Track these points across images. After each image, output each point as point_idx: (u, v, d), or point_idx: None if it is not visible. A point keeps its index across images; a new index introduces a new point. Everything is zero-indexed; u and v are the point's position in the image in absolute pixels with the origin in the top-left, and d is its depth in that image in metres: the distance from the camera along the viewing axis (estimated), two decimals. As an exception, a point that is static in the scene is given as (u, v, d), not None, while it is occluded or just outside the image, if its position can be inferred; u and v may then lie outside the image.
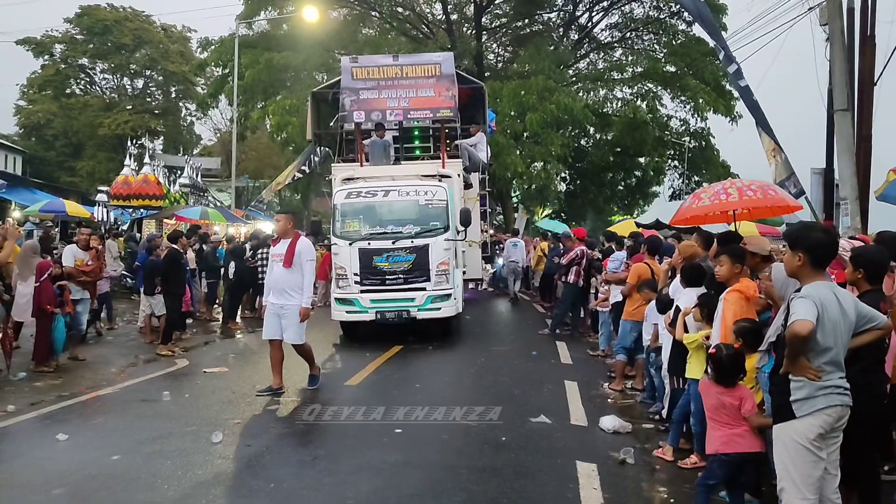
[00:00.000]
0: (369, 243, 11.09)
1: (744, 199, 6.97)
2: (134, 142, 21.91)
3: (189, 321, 13.20)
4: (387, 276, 11.03)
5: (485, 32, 32.27)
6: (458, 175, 13.14)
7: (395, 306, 11.06)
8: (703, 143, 31.33)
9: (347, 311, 11.22)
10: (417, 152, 15.66)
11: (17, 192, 25.07)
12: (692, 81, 27.90)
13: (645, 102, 28.69)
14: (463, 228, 11.73)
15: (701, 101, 27.94)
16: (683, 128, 31.29)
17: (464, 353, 10.99)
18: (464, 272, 13.41)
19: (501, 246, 20.12)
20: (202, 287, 14.86)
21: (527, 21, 32.98)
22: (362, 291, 11.08)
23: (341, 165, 13.88)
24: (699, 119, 29.72)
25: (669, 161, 33.84)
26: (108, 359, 10.22)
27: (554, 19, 33.80)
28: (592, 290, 11.55)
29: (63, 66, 46.91)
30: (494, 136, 22.41)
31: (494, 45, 35.56)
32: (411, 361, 10.06)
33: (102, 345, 11.40)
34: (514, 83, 25.86)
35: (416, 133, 15.90)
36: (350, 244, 11.14)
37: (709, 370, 4.61)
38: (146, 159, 20.56)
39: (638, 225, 15.95)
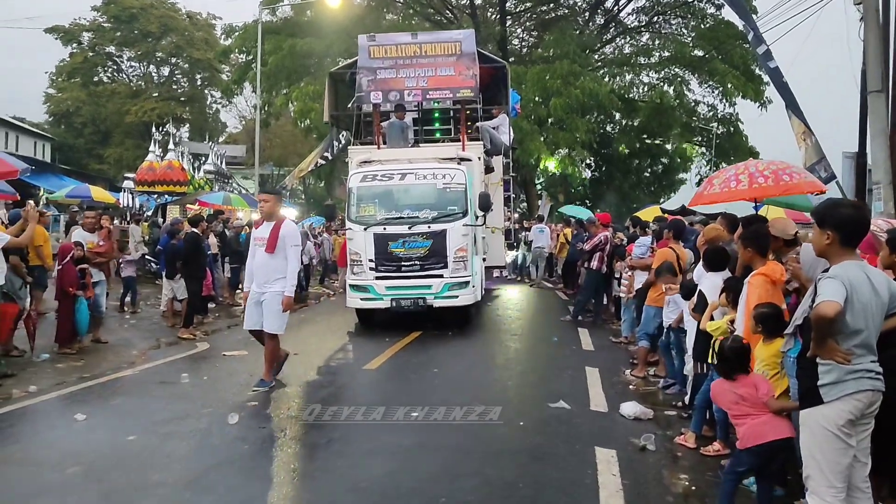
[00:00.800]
0: (385, 228, 10.82)
1: (753, 186, 6.83)
2: (160, 129, 22.04)
3: (211, 305, 13.26)
4: (402, 263, 10.76)
5: (509, 17, 31.93)
6: (479, 158, 12.71)
7: (411, 294, 10.78)
8: (731, 128, 30.86)
9: (362, 299, 10.98)
10: (437, 135, 15.11)
11: (45, 178, 25.39)
12: (721, 66, 27.40)
13: (672, 87, 28.22)
14: (482, 213, 11.41)
15: (730, 85, 27.47)
16: (711, 113, 30.82)
17: (484, 339, 10.89)
18: (484, 258, 13.06)
19: (525, 233, 19.89)
20: (225, 272, 14.90)
21: (552, 5, 32.61)
22: (377, 278, 10.82)
23: (358, 148, 13.47)
24: (727, 104, 29.23)
25: (697, 147, 33.40)
26: (130, 342, 10.28)
27: (579, 3, 33.38)
28: (616, 276, 11.35)
29: (91, 53, 47.44)
30: (518, 121, 22.19)
31: (519, 30, 35.24)
32: (430, 347, 9.95)
33: (126, 328, 11.47)
34: (539, 67, 25.63)
35: (437, 115, 15.25)
36: (365, 229, 10.88)
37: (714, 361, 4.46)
38: (170, 145, 20.64)
39: (664, 211, 15.63)
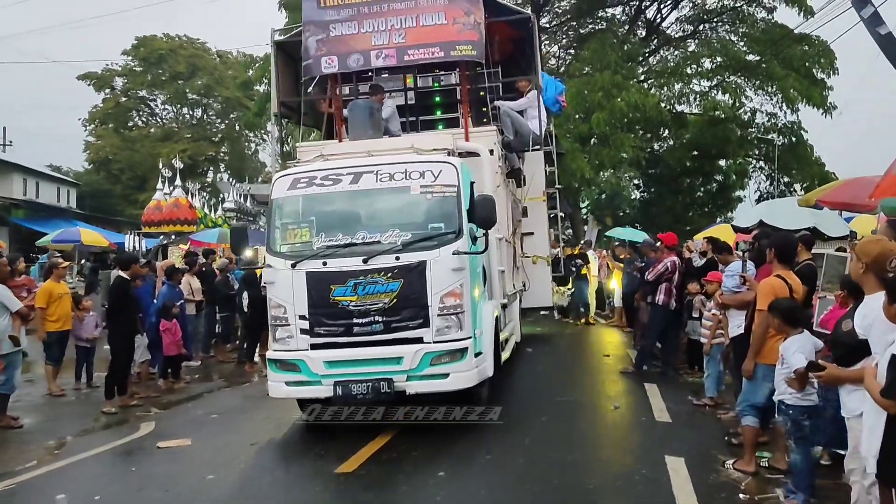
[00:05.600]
0: (325, 264, 6.90)
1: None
2: (165, 168, 20.43)
3: (195, 363, 11.30)
4: (354, 321, 6.80)
5: (544, 34, 30.02)
6: (492, 152, 8.74)
7: (368, 374, 6.78)
8: (794, 138, 28.21)
9: (289, 383, 7.02)
10: (440, 127, 9.91)
11: (55, 224, 24.11)
12: (779, 69, 24.84)
13: (727, 95, 25.80)
14: (484, 230, 7.19)
15: (792, 90, 24.86)
16: (770, 123, 28.22)
17: (513, 411, 7.53)
18: (506, 301, 9.11)
19: (578, 262, 16.27)
20: (216, 323, 12.59)
21: (588, 18, 30.65)
22: (313, 347, 6.90)
23: (308, 144, 9.50)
24: (790, 111, 26.61)
25: (754, 161, 30.78)
26: (56, 424, 8.19)
27: (618, 15, 31.34)
28: (695, 314, 8.87)
29: (123, 98, 47.19)
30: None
31: (555, 48, 33.34)
32: (428, 436, 6.81)
33: (63, 403, 9.34)
34: (577, 80, 23.52)
35: (438, 100, 10.25)
36: (293, 266, 6.94)
37: None
38: (177, 181, 19.02)
39: (735, 229, 13.14)
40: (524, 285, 11.55)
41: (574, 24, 31.06)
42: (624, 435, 6.90)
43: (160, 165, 20.32)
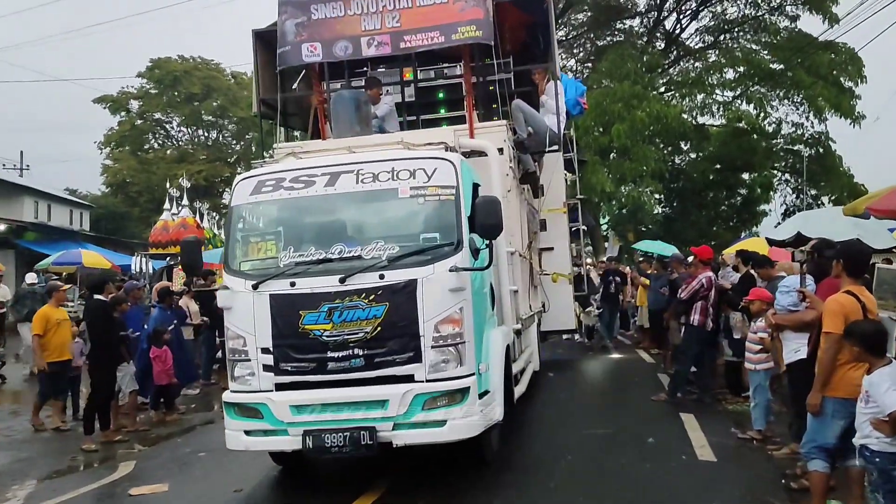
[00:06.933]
0: (293, 284, 5.72)
1: None
2: (173, 188, 19.91)
3: (194, 392, 10.57)
4: (329, 354, 5.59)
5: (560, 47, 29.42)
6: (501, 151, 7.48)
7: (345, 420, 5.55)
8: (822, 149, 27.27)
9: (249, 432, 5.79)
10: (445, 125, 8.48)
11: (61, 246, 23.67)
12: (806, 77, 23.97)
13: (752, 105, 24.97)
14: (486, 241, 5.88)
15: (820, 99, 23.96)
16: (797, 133, 27.29)
17: (535, 448, 6.85)
18: (520, 324, 7.78)
19: (617, 280, 15.11)
20: (217, 348, 11.80)
21: (606, 32, 30.04)
22: (278, 387, 5.71)
23: (287, 145, 7.99)
24: (817, 121, 25.71)
25: (780, 174, 29.83)
26: (28, 465, 7.44)
27: (636, 27, 30.71)
28: (737, 335, 7.99)
29: (139, 121, 47.17)
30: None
31: (572, 62, 32.73)
32: (435, 471, 6.10)
33: (41, 441, 8.56)
34: (596, 92, 22.80)
35: (441, 96, 9.21)
36: (255, 287, 5.75)
37: None
38: (184, 201, 18.48)
39: (770, 242, 12.25)
40: (543, 306, 10.53)
41: (591, 36, 30.50)
42: (663, 478, 5.94)
43: (167, 185, 19.83)
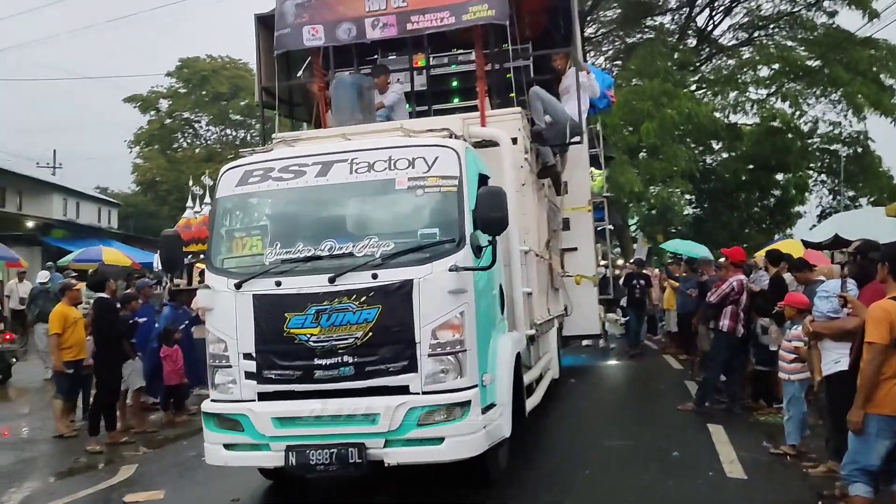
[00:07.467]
0: (278, 284, 5.30)
1: None
2: (196, 186, 19.86)
3: (203, 391, 10.36)
4: (315, 362, 5.14)
5: (589, 45, 28.90)
6: (515, 141, 6.87)
7: (332, 435, 5.09)
8: (860, 149, 26.42)
9: (228, 446, 5.41)
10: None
11: (86, 243, 23.86)
12: (844, 73, 23.16)
13: (787, 103, 24.23)
14: (490, 237, 5.27)
15: (859, 96, 23.13)
16: (834, 132, 26.46)
17: (551, 461, 6.51)
18: (536, 328, 7.28)
19: (641, 283, 14.50)
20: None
21: (636, 29, 29.46)
22: (261, 396, 5.30)
23: (282, 135, 7.34)
24: (857, 119, 24.87)
25: (816, 174, 28.98)
26: (29, 466, 7.28)
27: (667, 24, 30.07)
28: (773, 347, 7.50)
29: (168, 120, 47.67)
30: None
31: (601, 59, 32.19)
32: (436, 494, 5.69)
33: (48, 441, 8.38)
34: (625, 90, 22.31)
35: (455, 84, 8.67)
36: (237, 286, 5.36)
37: None
38: (206, 199, 18.37)
39: (806, 244, 11.73)
40: (566, 309, 10.07)
41: (620, 33, 29.96)
42: (687, 496, 5.53)
43: (190, 183, 19.76)
